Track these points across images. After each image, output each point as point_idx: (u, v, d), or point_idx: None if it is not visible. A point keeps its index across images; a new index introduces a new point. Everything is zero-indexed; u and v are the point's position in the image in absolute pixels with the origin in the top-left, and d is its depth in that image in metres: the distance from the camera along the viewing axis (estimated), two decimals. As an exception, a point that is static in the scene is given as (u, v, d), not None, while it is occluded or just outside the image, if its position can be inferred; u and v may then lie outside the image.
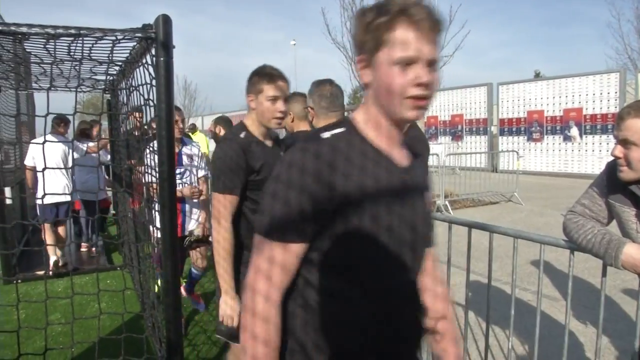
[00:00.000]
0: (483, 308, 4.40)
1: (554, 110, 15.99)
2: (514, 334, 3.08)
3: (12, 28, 2.28)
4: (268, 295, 1.15)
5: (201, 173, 4.36)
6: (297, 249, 1.16)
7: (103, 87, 4.81)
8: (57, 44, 2.61)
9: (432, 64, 1.13)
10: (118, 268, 5.90)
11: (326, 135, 1.19)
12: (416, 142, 4.84)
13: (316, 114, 2.72)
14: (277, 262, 1.15)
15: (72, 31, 2.31)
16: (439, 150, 14.59)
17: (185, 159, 4.20)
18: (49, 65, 3.43)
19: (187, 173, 4.21)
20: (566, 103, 15.59)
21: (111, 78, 4.37)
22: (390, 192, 1.19)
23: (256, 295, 1.15)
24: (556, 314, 4.29)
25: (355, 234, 1.15)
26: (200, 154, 4.42)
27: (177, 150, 3.93)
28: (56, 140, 5.60)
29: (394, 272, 1.22)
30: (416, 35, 1.09)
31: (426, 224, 1.31)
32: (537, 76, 30.44)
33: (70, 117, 3.79)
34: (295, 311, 1.23)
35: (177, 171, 3.94)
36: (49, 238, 5.74)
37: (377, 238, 1.16)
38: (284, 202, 1.12)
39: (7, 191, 5.34)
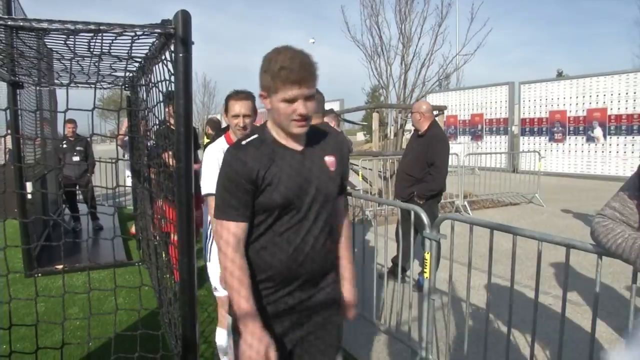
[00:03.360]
0: (501, 311, 4.33)
1: (576, 111, 15.73)
2: (536, 337, 3.01)
3: (34, 24, 2.28)
4: None
5: None
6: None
7: (123, 83, 4.82)
8: (77, 40, 2.62)
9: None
10: (136, 264, 5.94)
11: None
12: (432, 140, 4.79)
13: None
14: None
15: (92, 27, 2.30)
16: (458, 149, 14.42)
17: None
18: (69, 62, 3.46)
19: None
20: (590, 103, 15.32)
21: (131, 74, 4.39)
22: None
23: None
24: (578, 319, 4.20)
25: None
26: None
27: None
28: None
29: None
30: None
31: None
32: (560, 75, 29.96)
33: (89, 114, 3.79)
34: None
35: None
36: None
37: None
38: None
39: (29, 186, 5.40)
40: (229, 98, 3.04)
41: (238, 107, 2.97)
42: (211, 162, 2.91)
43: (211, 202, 2.68)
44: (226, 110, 3.05)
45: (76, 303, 4.68)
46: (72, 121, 8.00)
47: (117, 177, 3.44)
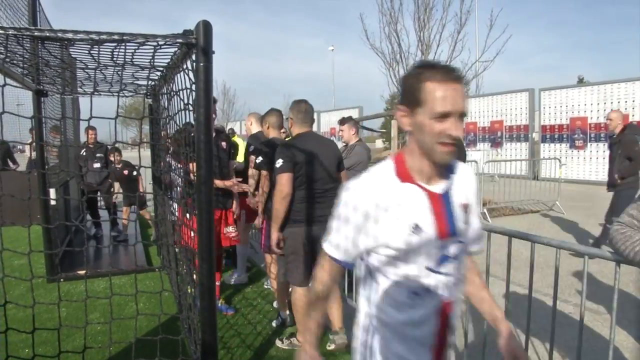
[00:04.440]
0: (521, 320, 4.28)
1: (598, 117, 15.51)
2: (554, 347, 2.98)
3: (59, 34, 2.35)
4: None
5: None
6: None
7: (145, 92, 4.91)
8: (101, 49, 2.69)
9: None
10: (156, 269, 6.01)
11: None
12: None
13: (294, 123, 3.75)
14: None
15: (116, 37, 2.36)
16: (478, 157, 14.32)
17: None
18: (93, 71, 3.54)
19: None
20: (611, 109, 15.09)
21: (153, 83, 4.47)
22: None
23: None
24: (599, 328, 4.14)
25: None
26: None
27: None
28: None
29: None
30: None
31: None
32: (581, 82, 29.60)
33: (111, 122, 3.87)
34: None
35: None
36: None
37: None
38: None
39: (52, 192, 5.51)
40: (421, 76, 1.40)
41: (448, 96, 1.37)
42: (349, 208, 1.50)
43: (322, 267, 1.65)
44: (412, 102, 1.42)
45: (97, 308, 4.74)
46: (93, 128, 8.12)
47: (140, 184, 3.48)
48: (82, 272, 5.69)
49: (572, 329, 4.11)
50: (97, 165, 7.90)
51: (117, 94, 4.37)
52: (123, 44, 2.44)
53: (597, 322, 4.24)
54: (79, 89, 5.28)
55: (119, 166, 7.75)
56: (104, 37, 2.36)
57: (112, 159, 7.86)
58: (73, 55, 3.44)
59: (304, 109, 3.78)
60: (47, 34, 2.35)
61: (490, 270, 2.93)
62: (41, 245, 5.58)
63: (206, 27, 2.37)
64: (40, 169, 5.32)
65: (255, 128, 5.37)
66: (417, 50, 10.41)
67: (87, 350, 3.43)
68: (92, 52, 2.76)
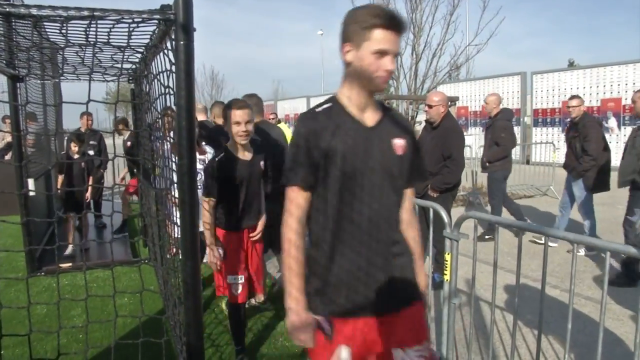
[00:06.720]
0: (523, 311, 4.13)
1: (590, 101, 15.39)
2: (555, 337, 2.81)
3: (22, 10, 2.12)
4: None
5: None
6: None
7: (121, 74, 4.65)
8: (73, 28, 2.45)
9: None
10: (143, 261, 5.79)
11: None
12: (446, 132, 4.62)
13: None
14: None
15: (85, 13, 2.13)
16: (470, 141, 14.12)
17: None
18: (68, 52, 3.30)
19: None
20: (604, 93, 14.99)
21: (134, 66, 4.22)
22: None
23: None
24: (604, 320, 3.98)
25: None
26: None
27: None
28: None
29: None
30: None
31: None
32: (571, 65, 29.46)
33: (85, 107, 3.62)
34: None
35: None
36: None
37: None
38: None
39: (31, 183, 5.24)
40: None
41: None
42: None
43: None
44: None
45: (79, 304, 4.52)
46: (89, 114, 7.69)
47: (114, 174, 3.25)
48: (64, 266, 5.48)
49: (575, 320, 3.96)
50: (90, 152, 7.49)
51: (95, 78, 4.13)
52: (94, 21, 2.20)
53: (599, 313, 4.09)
54: (59, 73, 5.00)
55: (77, 156, 6.35)
56: (73, 13, 2.12)
57: (72, 147, 6.44)
58: (48, 37, 3.20)
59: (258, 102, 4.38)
60: (8, 10, 2.11)
61: (487, 259, 2.76)
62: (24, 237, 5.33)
63: (186, 1, 2.14)
64: (17, 159, 5.06)
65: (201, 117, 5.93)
66: (409, 32, 10.14)
67: (65, 354, 3.23)
68: (63, 31, 2.52)
